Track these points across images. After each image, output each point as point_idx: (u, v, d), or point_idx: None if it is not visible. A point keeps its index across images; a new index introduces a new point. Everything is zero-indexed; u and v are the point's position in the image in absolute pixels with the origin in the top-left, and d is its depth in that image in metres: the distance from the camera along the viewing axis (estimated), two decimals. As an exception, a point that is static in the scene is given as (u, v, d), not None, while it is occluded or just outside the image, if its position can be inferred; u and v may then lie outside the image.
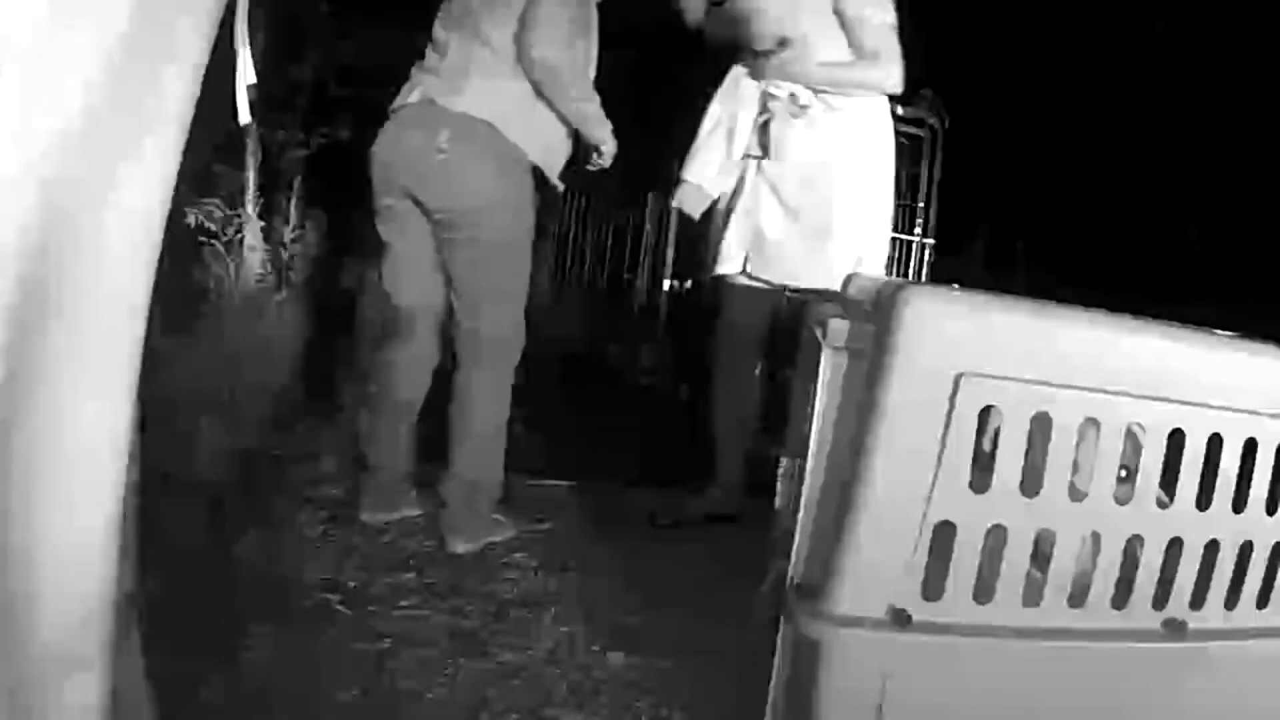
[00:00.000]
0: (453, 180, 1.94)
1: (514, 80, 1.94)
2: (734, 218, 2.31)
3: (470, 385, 2.06)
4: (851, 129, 2.23)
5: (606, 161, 2.14)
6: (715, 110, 2.31)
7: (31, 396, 0.65)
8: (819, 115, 2.20)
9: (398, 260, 2.09)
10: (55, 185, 0.63)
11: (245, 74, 0.90)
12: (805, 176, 2.22)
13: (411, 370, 2.14)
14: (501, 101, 1.94)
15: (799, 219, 2.23)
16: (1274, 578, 1.19)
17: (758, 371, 2.43)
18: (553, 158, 2.08)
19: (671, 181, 2.42)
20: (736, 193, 2.32)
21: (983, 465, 1.06)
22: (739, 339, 2.41)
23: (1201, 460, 1.12)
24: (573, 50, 1.95)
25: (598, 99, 2.07)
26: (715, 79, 2.34)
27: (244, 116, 0.91)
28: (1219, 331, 1.21)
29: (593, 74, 2.11)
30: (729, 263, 2.33)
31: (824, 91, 2.20)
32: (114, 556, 0.72)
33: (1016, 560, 1.08)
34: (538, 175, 2.05)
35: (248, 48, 0.88)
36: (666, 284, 5.53)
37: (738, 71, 2.28)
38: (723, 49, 2.38)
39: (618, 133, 2.10)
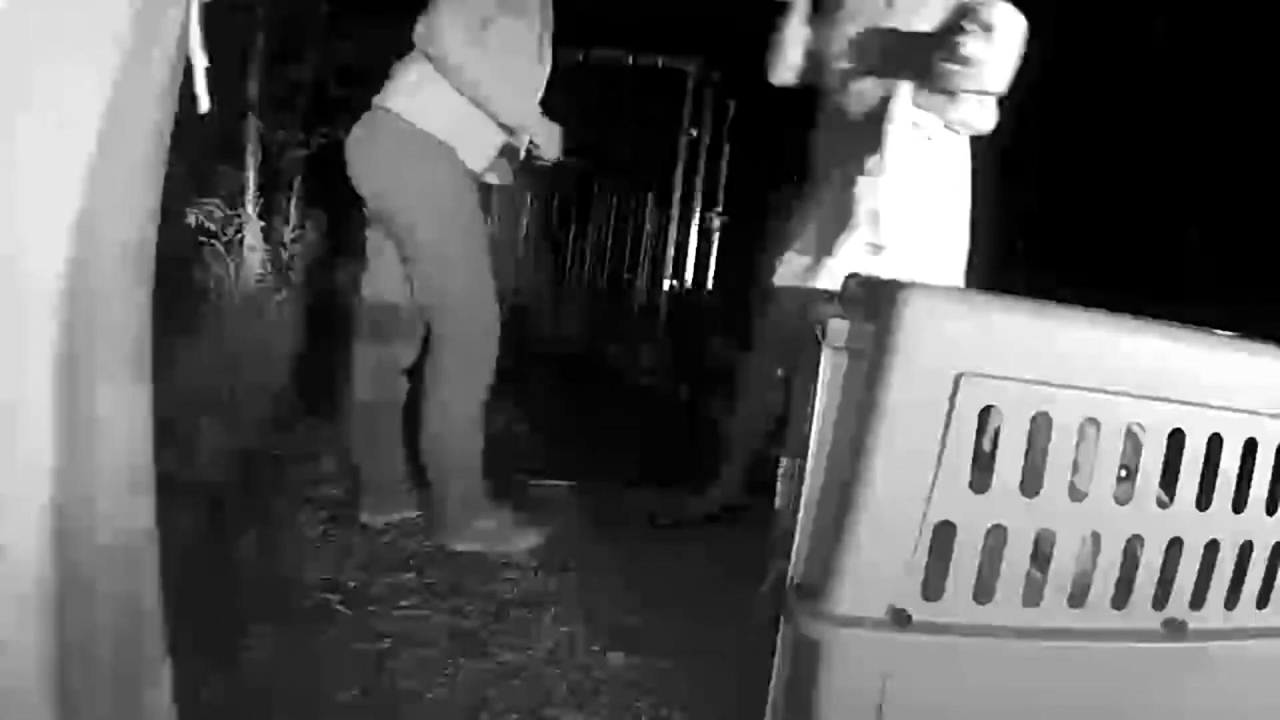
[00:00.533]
0: (366, 169, 1.98)
1: (428, 71, 1.93)
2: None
3: (428, 382, 2.05)
4: (952, 160, 2.22)
5: (547, 154, 2.10)
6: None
7: None
8: (936, 144, 2.18)
9: (369, 258, 2.14)
10: None
11: (199, 59, 0.84)
12: (915, 198, 2.17)
13: (386, 370, 2.14)
14: (412, 90, 1.95)
15: (902, 238, 2.19)
16: (1274, 578, 1.19)
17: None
18: (476, 147, 2.02)
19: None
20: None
21: (983, 465, 1.06)
22: (782, 342, 2.39)
23: (1201, 460, 1.12)
24: (479, 46, 1.90)
25: (522, 93, 2.03)
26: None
27: (204, 105, 0.86)
28: (1219, 331, 1.21)
29: (533, 68, 2.06)
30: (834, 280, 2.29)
31: (949, 126, 2.19)
32: (49, 567, 0.68)
33: (1016, 560, 1.08)
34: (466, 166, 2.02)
35: (198, 29, 0.82)
36: (666, 284, 5.53)
37: (906, 90, 2.18)
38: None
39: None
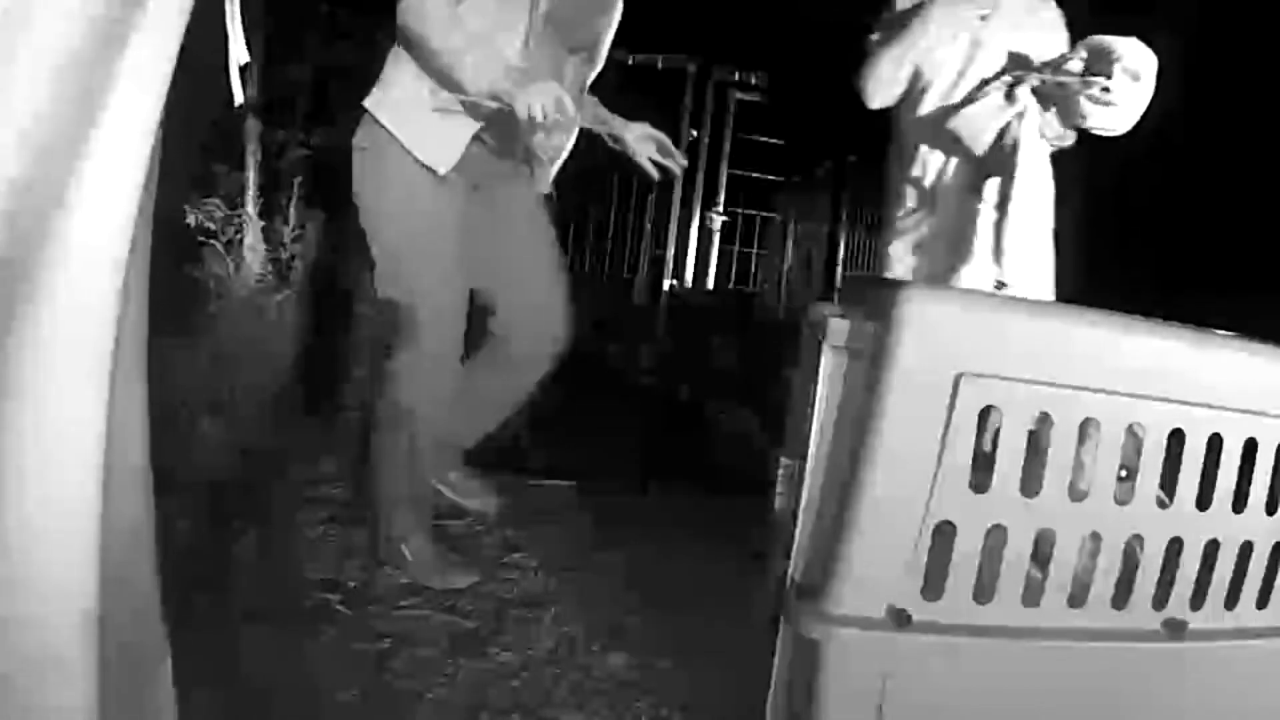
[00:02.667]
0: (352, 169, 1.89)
1: (396, 62, 1.84)
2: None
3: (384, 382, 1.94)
4: (1048, 181, 2.16)
5: (668, 160, 1.87)
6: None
7: None
8: (1043, 168, 2.14)
9: None
10: (16, 189, 0.62)
11: (237, 53, 0.86)
12: (1031, 227, 2.10)
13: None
14: (381, 85, 1.85)
15: (1021, 269, 2.09)
16: (1274, 578, 1.19)
17: None
18: (436, 142, 1.80)
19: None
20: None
21: (983, 465, 1.06)
22: None
23: (1201, 460, 1.12)
24: (451, 9, 1.70)
25: (493, 58, 1.72)
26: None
27: (238, 98, 0.87)
28: (1219, 331, 1.21)
29: (510, 39, 1.79)
30: None
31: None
32: (93, 564, 0.69)
33: (1016, 560, 1.08)
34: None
35: (239, 24, 0.84)
36: (666, 284, 5.53)
37: (1033, 121, 2.13)
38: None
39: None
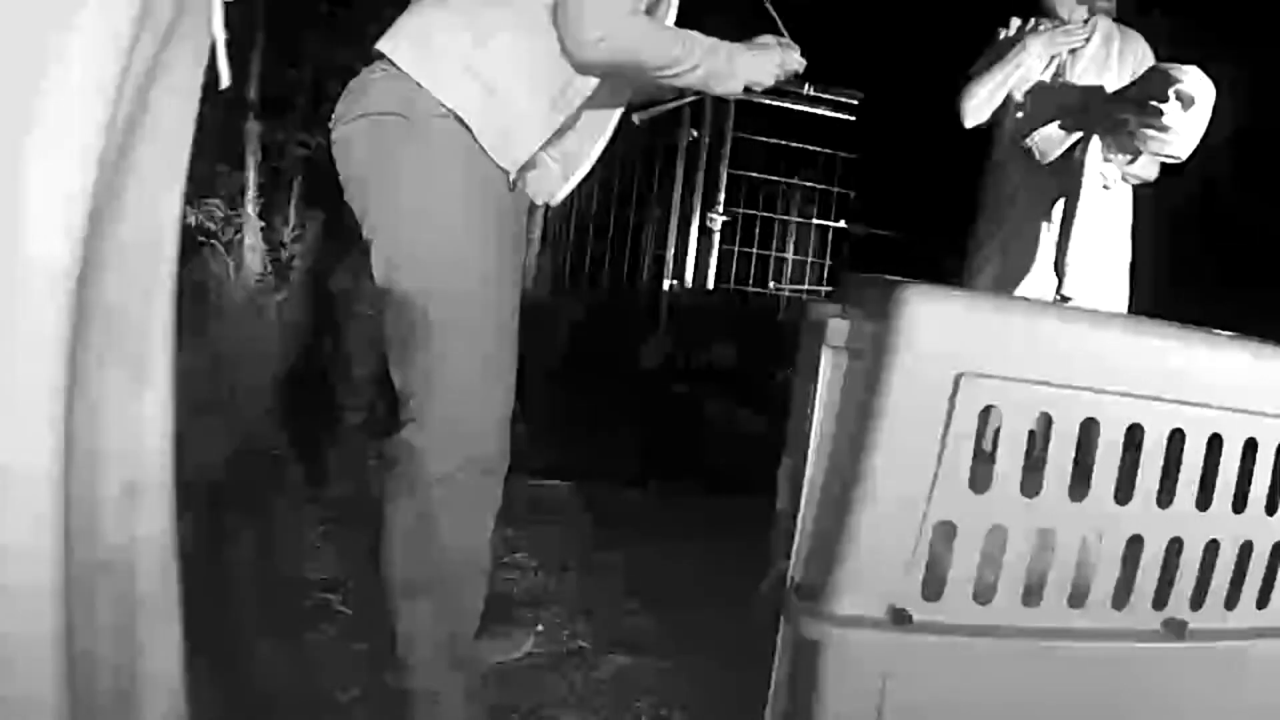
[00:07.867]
0: None
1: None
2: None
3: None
4: (1123, 208, 2.26)
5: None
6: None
7: None
8: (1112, 193, 2.21)
9: None
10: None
11: (216, 29, 0.82)
12: (1094, 247, 2.16)
13: None
14: (422, 48, 1.40)
15: (1084, 288, 2.13)
16: (1274, 578, 1.19)
17: None
18: (511, 134, 1.38)
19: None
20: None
21: (983, 465, 1.06)
22: None
23: (1201, 460, 1.12)
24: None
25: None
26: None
27: (224, 80, 0.84)
28: (1219, 331, 1.21)
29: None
30: None
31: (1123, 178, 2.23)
32: (60, 590, 0.64)
33: (1016, 560, 1.08)
34: None
35: (220, 3, 0.80)
36: (666, 284, 5.53)
37: (1097, 143, 2.17)
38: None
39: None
